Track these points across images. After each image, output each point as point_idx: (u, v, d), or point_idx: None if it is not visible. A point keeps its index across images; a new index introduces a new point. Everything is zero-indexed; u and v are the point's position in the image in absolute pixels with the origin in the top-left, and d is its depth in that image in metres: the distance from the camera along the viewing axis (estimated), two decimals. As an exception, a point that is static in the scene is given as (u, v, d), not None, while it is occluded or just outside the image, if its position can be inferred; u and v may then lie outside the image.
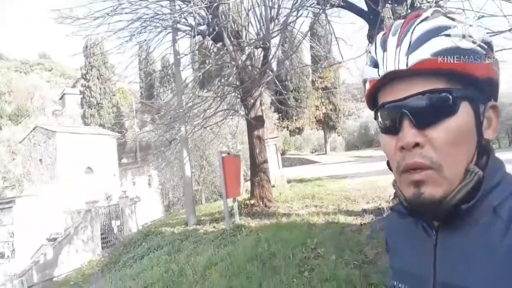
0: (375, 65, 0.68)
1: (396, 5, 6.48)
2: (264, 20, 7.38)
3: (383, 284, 3.85)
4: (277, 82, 9.27)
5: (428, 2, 6.54)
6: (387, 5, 6.19)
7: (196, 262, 5.98)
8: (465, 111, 0.62)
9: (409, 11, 6.47)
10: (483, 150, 0.64)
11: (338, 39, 5.76)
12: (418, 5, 6.62)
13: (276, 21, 7.39)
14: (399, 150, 0.64)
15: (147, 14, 7.84)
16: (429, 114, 0.61)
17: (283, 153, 24.62)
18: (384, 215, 6.18)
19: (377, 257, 4.57)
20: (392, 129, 0.66)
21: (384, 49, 0.66)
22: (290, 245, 5.48)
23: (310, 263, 4.76)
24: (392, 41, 0.66)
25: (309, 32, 9.52)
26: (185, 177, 10.01)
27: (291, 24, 6.40)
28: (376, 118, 0.72)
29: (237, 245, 6.28)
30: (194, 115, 9.24)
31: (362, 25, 6.89)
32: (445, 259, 0.65)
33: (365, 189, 9.40)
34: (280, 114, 19.71)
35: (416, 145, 0.61)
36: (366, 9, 6.55)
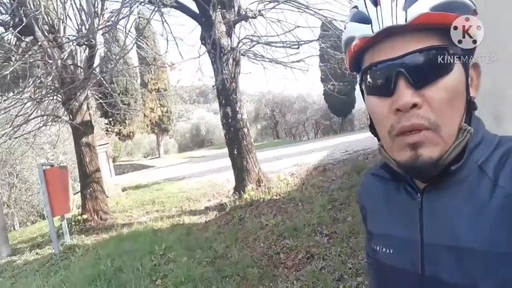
0: (366, 21, 0.61)
1: (225, 10, 6.87)
2: (86, 15, 6.65)
3: (235, 274, 4.05)
4: (106, 84, 8.54)
5: (251, 10, 7.17)
6: (218, 10, 6.50)
7: (19, 300, 4.96)
8: (458, 69, 0.60)
9: (236, 17, 6.97)
10: (470, 109, 0.63)
11: (176, 38, 5.69)
12: (244, 13, 7.19)
13: (101, 17, 6.78)
14: (393, 113, 0.60)
15: None
16: (426, 73, 0.58)
17: (114, 160, 22.92)
18: (227, 210, 6.49)
19: (227, 250, 4.76)
20: (384, 90, 0.61)
21: (376, 3, 0.60)
22: (137, 256, 5.15)
23: (161, 270, 4.59)
24: None
25: (137, 32, 9.11)
26: (-10, 200, 8.13)
27: (121, 22, 5.99)
28: (363, 80, 0.66)
29: (72, 269, 5.50)
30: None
31: (193, 27, 7.04)
32: (433, 220, 0.63)
33: (204, 188, 9.65)
34: (110, 119, 18.16)
35: (414, 106, 0.57)
36: (198, 11, 6.72)
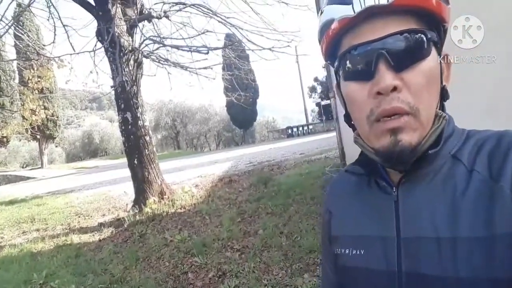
0: (346, 1, 0.59)
1: (126, 6, 6.24)
2: None
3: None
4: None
5: (156, 11, 6.70)
6: (118, 5, 5.85)
7: None
8: (434, 54, 0.60)
9: (139, 15, 6.40)
10: (443, 97, 0.64)
11: (66, 27, 4.87)
12: (146, 12, 6.67)
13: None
14: (373, 97, 0.58)
15: None
16: (406, 56, 0.57)
17: (-19, 171, 19.40)
18: (125, 226, 5.80)
19: (126, 273, 4.16)
20: (364, 73, 0.59)
21: None
22: (8, 288, 4.19)
23: (41, 304, 3.77)
24: None
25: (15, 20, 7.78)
26: None
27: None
28: (340, 65, 0.64)
29: None
30: None
31: (88, 21, 6.25)
32: (409, 213, 0.62)
33: (98, 201, 8.61)
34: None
35: (394, 89, 0.56)
36: (94, 3, 5.96)
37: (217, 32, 7.23)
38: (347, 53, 0.62)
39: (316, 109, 41.32)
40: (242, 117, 34.31)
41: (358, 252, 0.67)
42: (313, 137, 24.09)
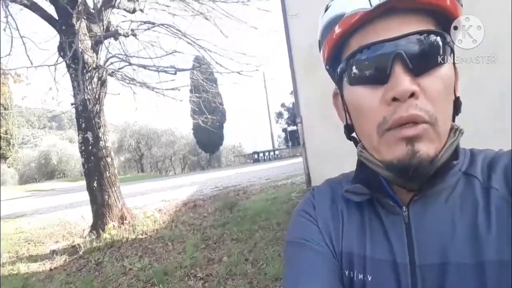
0: None
1: (91, 22, 6.07)
2: None
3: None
4: None
5: (123, 29, 6.57)
6: (83, 20, 5.67)
7: None
8: (450, 61, 0.54)
9: (104, 33, 6.23)
10: (457, 110, 0.58)
11: (24, 38, 4.61)
12: (113, 29, 6.53)
13: None
14: (387, 103, 0.51)
15: None
16: (424, 59, 0.51)
17: None
18: (81, 253, 5.39)
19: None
20: (377, 76, 0.52)
21: None
22: None
23: None
24: None
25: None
26: None
27: None
28: (346, 68, 0.56)
29: None
30: None
31: (50, 36, 6.00)
32: (425, 236, 0.54)
33: (52, 227, 8.05)
34: None
35: (411, 95, 0.49)
36: (57, 17, 5.75)
37: (186, 53, 7.12)
38: (357, 53, 0.54)
39: (282, 134, 41.87)
40: (208, 141, 34.09)
41: (365, 278, 0.58)
42: (280, 162, 24.22)
